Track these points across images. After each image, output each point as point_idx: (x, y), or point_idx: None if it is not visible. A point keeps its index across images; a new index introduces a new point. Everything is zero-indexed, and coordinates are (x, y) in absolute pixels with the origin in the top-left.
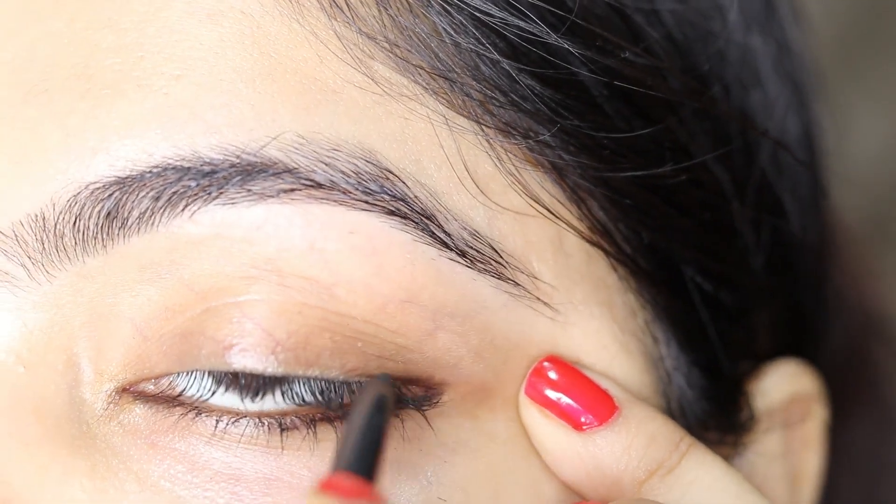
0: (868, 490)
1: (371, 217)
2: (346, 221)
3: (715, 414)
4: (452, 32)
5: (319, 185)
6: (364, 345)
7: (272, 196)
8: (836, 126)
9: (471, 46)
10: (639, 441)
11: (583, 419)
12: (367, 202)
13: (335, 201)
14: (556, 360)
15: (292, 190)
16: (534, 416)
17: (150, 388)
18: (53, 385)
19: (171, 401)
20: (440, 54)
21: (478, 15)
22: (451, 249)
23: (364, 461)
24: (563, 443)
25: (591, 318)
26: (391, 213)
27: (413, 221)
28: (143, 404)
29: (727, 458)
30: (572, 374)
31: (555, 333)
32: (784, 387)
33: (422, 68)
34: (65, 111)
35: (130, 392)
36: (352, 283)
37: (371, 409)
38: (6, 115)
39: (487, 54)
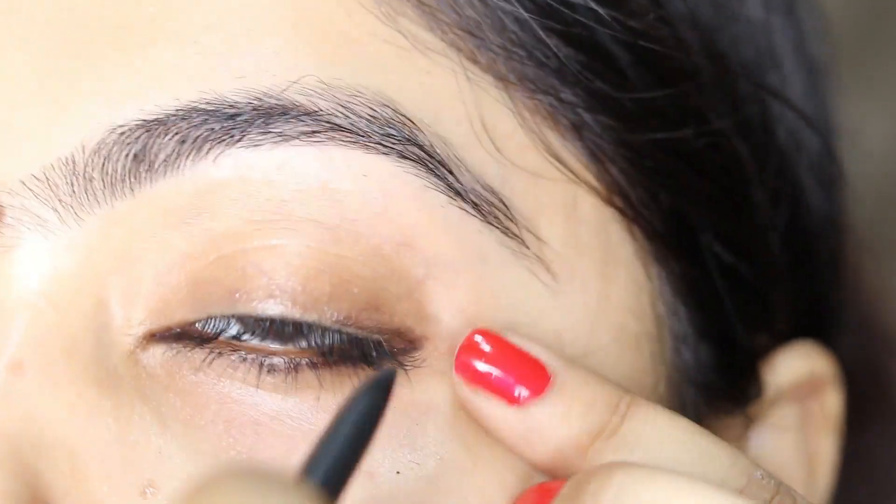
0: (881, 499)
1: (386, 161)
2: (362, 164)
3: (723, 386)
4: None
5: (339, 128)
6: (358, 291)
7: (294, 137)
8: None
9: (498, 3)
10: (576, 407)
11: (516, 392)
12: (382, 145)
13: (353, 142)
14: (485, 332)
15: (313, 132)
16: (471, 395)
17: (174, 332)
18: (82, 328)
19: (193, 344)
20: (468, 11)
21: None
22: (462, 199)
23: (338, 477)
24: (500, 418)
25: (585, 290)
26: (405, 157)
27: (427, 167)
28: (168, 347)
29: (740, 431)
30: (502, 346)
31: (543, 302)
32: (799, 365)
33: (448, 24)
34: (99, 59)
35: (155, 337)
36: (355, 223)
37: (361, 420)
38: (43, 64)
39: (514, 11)
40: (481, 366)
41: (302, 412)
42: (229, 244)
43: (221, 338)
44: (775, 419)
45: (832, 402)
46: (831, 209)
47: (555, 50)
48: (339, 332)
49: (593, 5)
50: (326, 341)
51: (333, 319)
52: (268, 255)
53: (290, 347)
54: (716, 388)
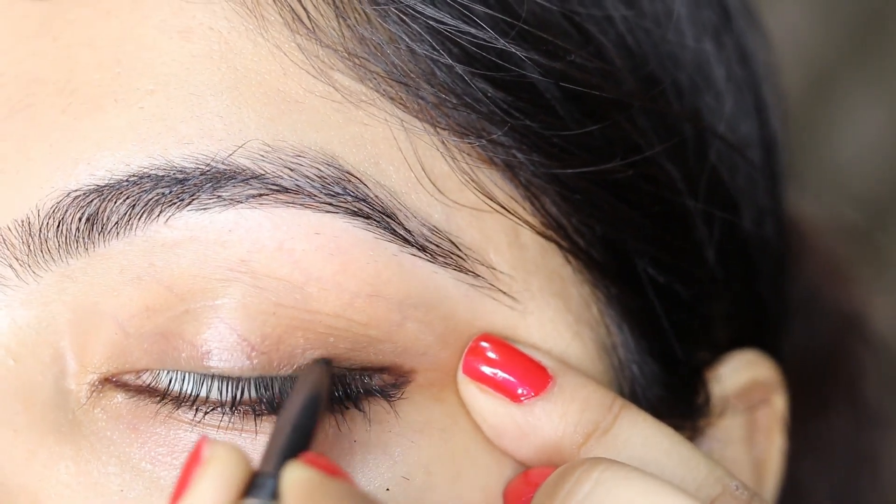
0: (846, 483)
1: (335, 218)
2: (312, 223)
3: (671, 400)
4: (408, 40)
5: (286, 190)
6: (336, 339)
7: (241, 201)
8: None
9: (426, 53)
10: (574, 407)
11: (520, 391)
12: (331, 204)
13: (301, 204)
14: (491, 338)
15: (260, 195)
16: (472, 392)
17: (131, 379)
18: (41, 376)
19: (152, 392)
20: (396, 61)
21: (432, 24)
22: (412, 245)
23: (299, 440)
24: (502, 415)
25: (547, 307)
26: (354, 213)
27: (375, 220)
28: (125, 393)
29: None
30: (506, 350)
31: (514, 321)
32: (741, 374)
33: (379, 75)
34: (48, 125)
35: (112, 382)
36: (321, 281)
37: (303, 408)
38: None
39: (441, 60)
40: (487, 368)
41: None
42: (196, 299)
43: (184, 390)
44: (722, 429)
45: (777, 406)
46: (771, 220)
47: (483, 94)
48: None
49: (517, 51)
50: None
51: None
52: (238, 315)
53: (246, 398)
54: (663, 402)
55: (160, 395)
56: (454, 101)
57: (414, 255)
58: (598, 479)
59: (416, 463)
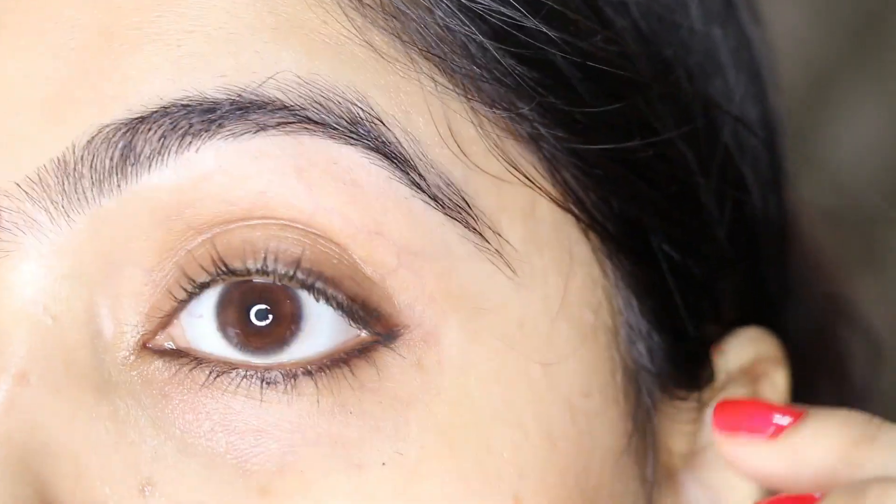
0: None
1: (354, 151)
2: (331, 152)
3: (679, 374)
4: (442, 14)
5: (313, 121)
6: (338, 261)
7: (271, 127)
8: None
9: (458, 28)
10: (833, 422)
11: (771, 427)
12: (352, 137)
13: (325, 135)
14: (727, 405)
15: (287, 123)
16: (733, 445)
17: (167, 344)
18: (78, 335)
19: (182, 354)
20: (431, 33)
21: (465, 2)
22: (424, 192)
23: None
24: (764, 457)
25: (545, 284)
26: (372, 149)
27: (391, 160)
28: (161, 358)
29: (694, 415)
30: (748, 405)
31: (507, 293)
32: (747, 349)
33: (414, 44)
34: (88, 66)
35: (149, 348)
36: (329, 211)
37: None
38: (38, 72)
39: (474, 36)
40: (735, 420)
41: (301, 417)
42: (214, 229)
43: (213, 355)
44: None
45: (779, 381)
46: (775, 199)
47: (510, 69)
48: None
49: (544, 28)
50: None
51: (315, 274)
52: (249, 230)
53: (283, 360)
54: (669, 375)
55: (199, 365)
56: (485, 75)
57: (425, 202)
58: None
59: (407, 438)
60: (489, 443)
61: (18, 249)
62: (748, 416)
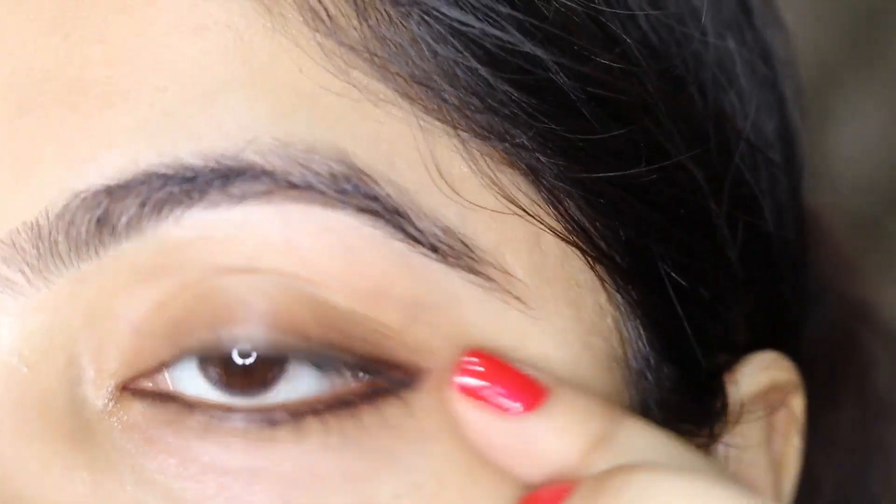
0: (856, 475)
1: (344, 215)
2: (320, 220)
3: (689, 406)
4: (431, 42)
5: (295, 186)
6: (347, 325)
7: (251, 198)
8: (834, 115)
9: (449, 55)
10: (575, 417)
11: (515, 405)
12: (340, 201)
13: (311, 201)
14: (478, 352)
15: (269, 191)
16: (465, 408)
17: (148, 385)
18: (56, 383)
19: (166, 397)
20: (418, 62)
21: (456, 25)
22: (422, 244)
23: None
24: (500, 431)
25: (559, 315)
26: (363, 210)
27: (384, 219)
28: (142, 401)
29: (705, 449)
30: (496, 364)
31: (524, 327)
32: (760, 377)
33: (400, 76)
34: (58, 123)
35: (129, 390)
36: (328, 280)
37: None
38: (4, 129)
39: (465, 62)
40: (476, 382)
41: (309, 454)
42: (204, 283)
43: (197, 388)
44: (740, 434)
45: (795, 408)
46: (791, 218)
47: (507, 96)
48: (342, 360)
49: (542, 54)
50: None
51: (322, 343)
52: (246, 289)
53: (260, 404)
54: (679, 408)
55: (173, 399)
56: (477, 104)
57: (424, 254)
58: (643, 482)
59: (427, 470)
60: (509, 477)
61: None
62: (494, 384)
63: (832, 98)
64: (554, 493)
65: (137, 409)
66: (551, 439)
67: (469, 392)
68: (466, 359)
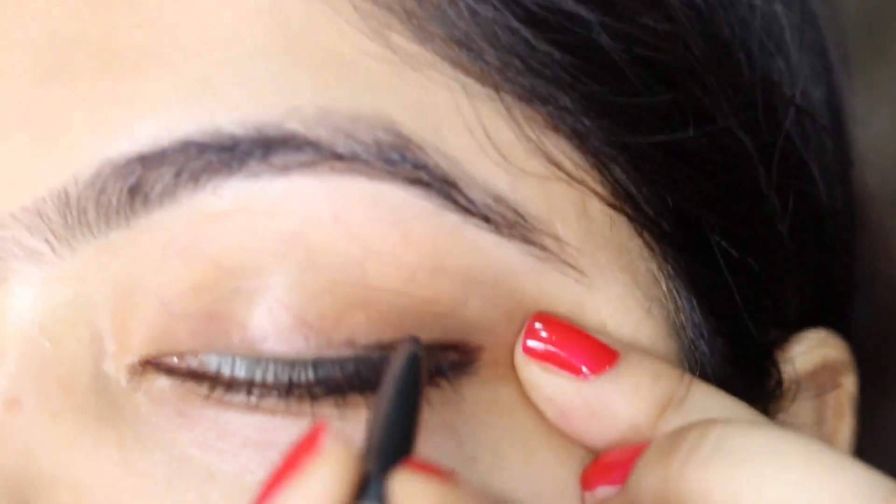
0: None
1: (393, 187)
2: (369, 192)
3: (741, 381)
4: (471, 2)
5: (341, 157)
6: (399, 318)
7: (294, 169)
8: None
9: (488, 14)
10: (645, 378)
11: (584, 368)
12: (388, 171)
13: (357, 172)
14: (546, 317)
15: (314, 162)
16: (535, 372)
17: (174, 362)
18: (79, 359)
19: (199, 376)
20: (457, 22)
21: None
22: (475, 215)
23: (403, 439)
24: (570, 393)
25: (616, 282)
26: (412, 181)
27: (435, 189)
28: (168, 376)
29: None
30: (566, 328)
31: (581, 296)
32: (812, 355)
33: (438, 36)
34: (87, 89)
35: (154, 364)
36: (380, 255)
37: (405, 380)
38: (30, 94)
39: (505, 22)
40: (546, 347)
41: (356, 427)
42: (247, 276)
43: (235, 374)
44: (793, 414)
45: (848, 387)
46: (842, 190)
47: (549, 57)
48: (382, 357)
49: (583, 13)
50: (367, 373)
51: (374, 347)
52: (293, 293)
53: (301, 381)
54: (733, 383)
55: (209, 379)
56: (519, 65)
57: (477, 225)
58: (723, 432)
59: (483, 443)
60: (566, 448)
61: (15, 276)
62: (564, 349)
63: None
64: (626, 454)
65: (165, 384)
66: (621, 401)
67: (539, 356)
68: (533, 324)
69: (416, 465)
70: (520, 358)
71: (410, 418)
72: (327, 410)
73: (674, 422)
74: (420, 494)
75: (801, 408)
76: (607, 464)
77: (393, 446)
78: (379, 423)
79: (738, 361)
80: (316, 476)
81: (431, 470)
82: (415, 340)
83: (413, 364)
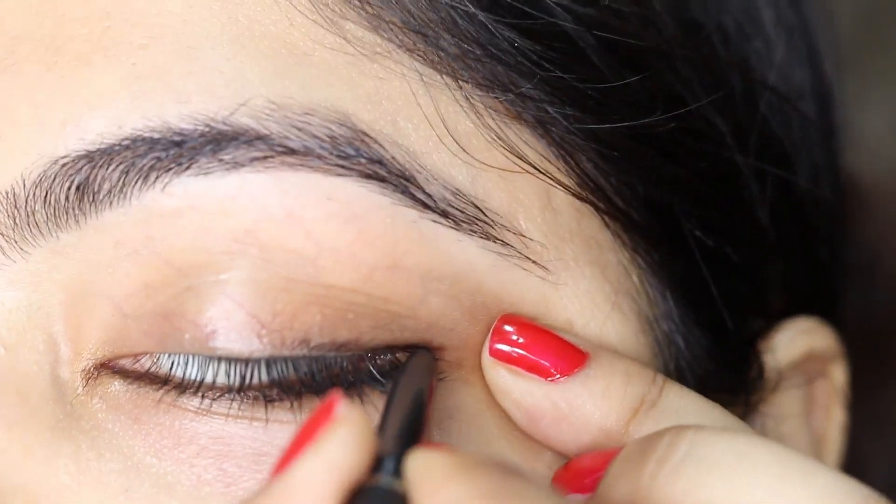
0: None
1: (348, 182)
2: (323, 188)
3: (721, 374)
4: None
5: (293, 152)
6: (356, 316)
7: (245, 164)
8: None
9: (446, 0)
10: (615, 380)
11: (553, 370)
12: (343, 166)
13: (311, 167)
14: (515, 319)
15: (265, 157)
16: (501, 374)
17: (128, 364)
18: (35, 365)
19: (153, 378)
20: (413, 9)
21: None
22: (433, 210)
23: (415, 426)
24: (538, 396)
25: (583, 277)
26: (368, 176)
27: (391, 184)
28: (123, 380)
29: (741, 419)
30: (535, 329)
31: (546, 293)
32: (797, 344)
33: (394, 24)
34: (33, 84)
35: (108, 367)
36: (335, 253)
37: (419, 376)
38: None
39: (462, 7)
40: (514, 351)
41: (281, 443)
42: (199, 275)
43: (188, 375)
44: (777, 405)
45: (836, 377)
46: (828, 176)
47: (509, 44)
48: (336, 358)
49: None
50: (319, 374)
51: (329, 347)
52: (246, 290)
53: (255, 382)
54: (712, 376)
55: (162, 381)
56: (478, 53)
57: (435, 221)
58: (694, 439)
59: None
60: (532, 452)
61: None
62: (532, 352)
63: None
64: (597, 461)
65: (119, 388)
66: (591, 404)
67: (506, 358)
68: (502, 325)
69: (429, 444)
70: (486, 361)
71: (421, 409)
72: (282, 414)
73: (646, 425)
74: (434, 465)
75: (786, 398)
76: (578, 471)
77: (407, 430)
78: (394, 410)
79: (719, 353)
80: (333, 442)
81: (444, 448)
82: (427, 349)
83: (427, 363)
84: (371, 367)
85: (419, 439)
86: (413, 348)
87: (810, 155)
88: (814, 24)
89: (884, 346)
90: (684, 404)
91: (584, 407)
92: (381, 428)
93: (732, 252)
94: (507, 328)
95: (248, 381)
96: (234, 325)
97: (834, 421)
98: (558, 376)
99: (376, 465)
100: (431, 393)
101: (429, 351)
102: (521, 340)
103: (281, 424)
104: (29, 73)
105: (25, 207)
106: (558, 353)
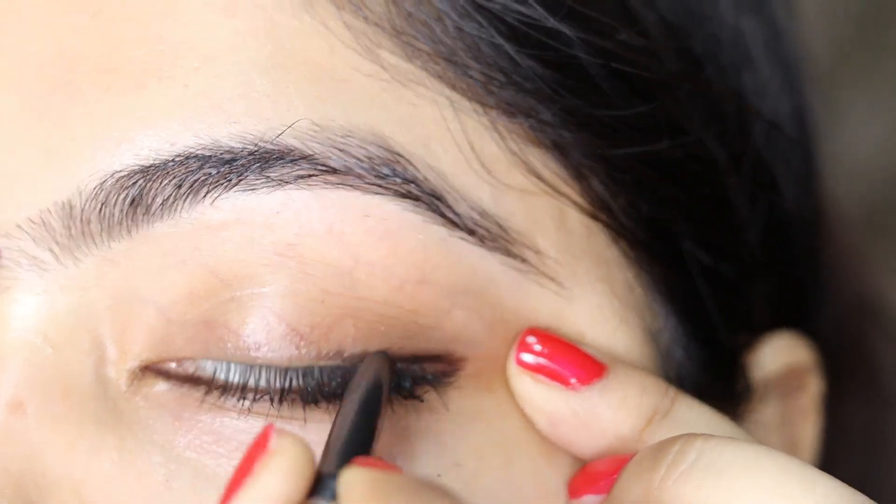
0: (863, 470)
1: (384, 200)
2: (361, 205)
3: (713, 385)
4: (456, 17)
5: (335, 171)
6: (387, 328)
7: (290, 182)
8: (835, 116)
9: (473, 31)
10: (632, 391)
11: (574, 380)
12: (379, 185)
13: (350, 186)
14: (538, 332)
15: (309, 176)
16: (526, 383)
17: (172, 367)
18: (80, 364)
19: (196, 381)
20: (444, 38)
21: (480, 1)
22: (461, 229)
23: (361, 442)
24: (559, 403)
25: (594, 292)
26: (403, 195)
27: (424, 203)
28: (167, 381)
29: None
30: (558, 342)
31: (560, 307)
32: (780, 357)
33: (426, 53)
34: (91, 102)
35: (153, 370)
36: (370, 266)
37: (368, 389)
38: (35, 107)
39: (489, 38)
40: (538, 361)
41: (318, 440)
42: (242, 286)
43: (230, 379)
44: (761, 414)
45: (814, 388)
46: (808, 199)
47: (531, 72)
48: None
49: (564, 28)
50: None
51: (361, 357)
52: (286, 303)
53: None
54: (707, 386)
55: (205, 384)
56: (502, 80)
57: (462, 238)
58: (702, 447)
59: (467, 450)
60: (549, 455)
61: (19, 284)
62: (555, 362)
63: (834, 100)
64: (612, 465)
65: (163, 388)
66: (609, 412)
67: (530, 368)
68: (528, 337)
69: (364, 461)
70: (512, 370)
71: (370, 424)
72: (320, 415)
73: (659, 433)
74: (362, 482)
75: (769, 409)
76: (593, 473)
77: (350, 448)
78: (338, 427)
79: (711, 364)
80: (268, 474)
81: (379, 465)
82: (384, 353)
83: (377, 375)
84: (399, 377)
85: (366, 451)
86: (437, 358)
87: (794, 179)
88: (795, 55)
89: (839, 361)
90: (694, 415)
91: (602, 415)
92: (326, 445)
93: (727, 269)
94: (531, 340)
95: (287, 387)
96: (274, 337)
97: (810, 430)
98: (579, 385)
99: (317, 485)
100: (383, 400)
101: (384, 354)
102: (545, 351)
103: (318, 424)
104: (87, 92)
105: (81, 218)
106: (579, 364)
